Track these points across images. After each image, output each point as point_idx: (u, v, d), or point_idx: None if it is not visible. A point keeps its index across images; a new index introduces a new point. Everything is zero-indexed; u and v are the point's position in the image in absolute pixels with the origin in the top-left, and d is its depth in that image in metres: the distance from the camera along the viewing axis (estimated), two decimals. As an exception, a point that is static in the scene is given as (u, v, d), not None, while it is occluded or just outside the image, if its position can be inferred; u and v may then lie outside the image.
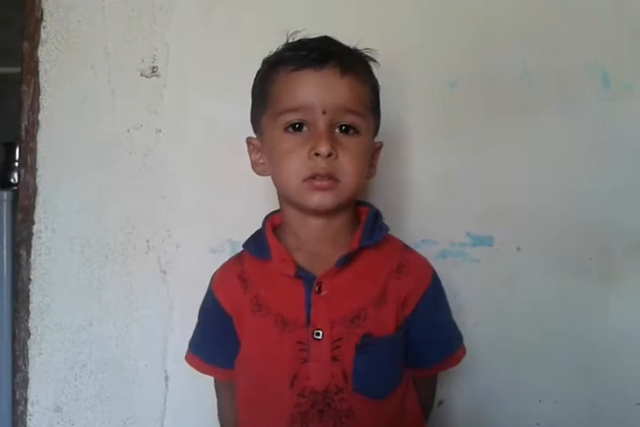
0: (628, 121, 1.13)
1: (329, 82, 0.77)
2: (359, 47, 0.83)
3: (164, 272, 1.12)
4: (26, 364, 1.10)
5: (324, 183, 0.76)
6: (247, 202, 1.09)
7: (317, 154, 0.75)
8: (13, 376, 1.12)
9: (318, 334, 0.78)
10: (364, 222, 0.85)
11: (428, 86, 1.12)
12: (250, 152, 0.88)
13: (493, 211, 1.13)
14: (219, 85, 1.12)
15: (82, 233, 1.11)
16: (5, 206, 1.19)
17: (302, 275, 0.80)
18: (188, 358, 0.91)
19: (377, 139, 0.87)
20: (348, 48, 0.82)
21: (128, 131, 1.12)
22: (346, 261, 0.80)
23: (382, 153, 0.89)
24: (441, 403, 1.08)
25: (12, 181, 1.38)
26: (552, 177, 1.13)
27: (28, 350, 1.10)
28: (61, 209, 1.12)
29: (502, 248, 1.13)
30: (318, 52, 0.77)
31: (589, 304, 1.12)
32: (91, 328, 1.10)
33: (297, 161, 0.77)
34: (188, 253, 1.12)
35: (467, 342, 1.09)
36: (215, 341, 0.88)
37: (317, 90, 0.77)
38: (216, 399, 0.93)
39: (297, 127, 0.78)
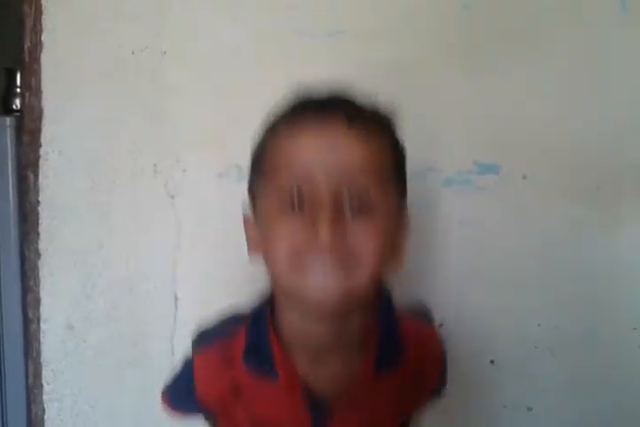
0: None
1: (332, 135, 0.59)
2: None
3: (172, 196, 1.12)
4: (37, 284, 1.12)
5: (328, 269, 0.58)
6: (255, 126, 1.08)
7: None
8: (24, 296, 1.15)
9: None
10: (378, 332, 0.69)
11: (441, 6, 1.09)
12: (246, 231, 0.71)
13: (500, 139, 1.12)
14: (225, 5, 1.09)
15: (89, 156, 1.11)
16: (9, 132, 1.18)
17: (313, 406, 0.67)
18: (167, 408, 0.80)
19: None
20: (360, 104, 0.64)
21: (133, 52, 1.10)
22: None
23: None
24: (441, 325, 1.11)
25: (15, 107, 1.35)
26: (562, 105, 1.11)
27: (38, 271, 1.12)
28: (67, 132, 1.11)
29: (508, 176, 1.13)
30: (320, 102, 0.62)
31: (594, 233, 1.13)
32: (100, 250, 1.12)
33: (290, 246, 0.59)
34: (195, 178, 1.12)
35: (471, 267, 1.12)
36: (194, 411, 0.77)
37: (317, 145, 0.59)
38: None
39: (295, 204, 0.59)
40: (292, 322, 0.67)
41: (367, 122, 0.61)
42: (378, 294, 0.68)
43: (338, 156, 0.58)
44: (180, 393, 0.79)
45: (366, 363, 0.68)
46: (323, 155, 0.58)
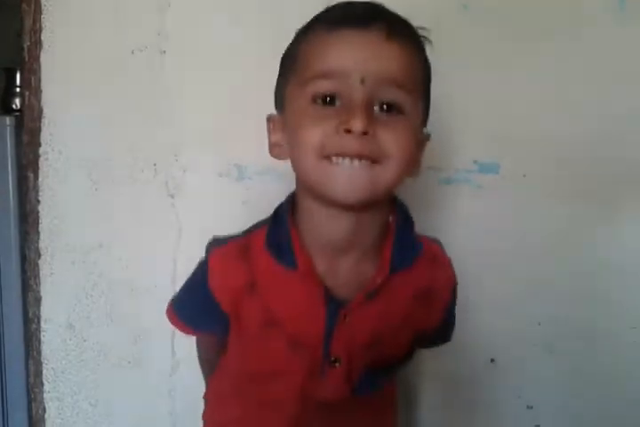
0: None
1: (373, 44, 0.61)
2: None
3: (172, 196, 1.13)
4: (37, 283, 1.12)
5: (355, 163, 0.61)
6: (254, 126, 1.08)
7: (349, 131, 0.60)
8: (25, 295, 1.15)
9: (336, 361, 0.72)
10: (394, 233, 0.71)
11: (441, 7, 1.09)
12: (270, 131, 0.72)
13: (500, 138, 1.12)
14: (224, 5, 1.09)
15: (89, 156, 1.11)
16: (9, 132, 1.18)
17: (329, 300, 0.69)
18: (170, 317, 0.82)
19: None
20: (398, 15, 0.66)
21: (132, 52, 1.10)
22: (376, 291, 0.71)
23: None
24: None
25: (14, 107, 1.36)
26: (561, 104, 1.11)
27: (39, 270, 1.12)
28: (67, 132, 1.11)
29: (508, 175, 1.13)
30: (362, 11, 0.64)
31: (594, 231, 1.13)
32: (100, 249, 1.12)
33: (318, 135, 0.61)
34: (195, 177, 1.12)
35: (471, 266, 1.12)
36: (202, 316, 0.78)
37: (357, 53, 0.61)
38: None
39: (327, 100, 0.62)
40: (313, 219, 0.69)
41: (404, 36, 0.64)
42: (393, 201, 0.72)
43: (376, 63, 0.61)
44: (189, 297, 0.79)
45: (381, 263, 0.70)
46: (361, 58, 0.61)
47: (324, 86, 0.62)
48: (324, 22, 0.65)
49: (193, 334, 0.84)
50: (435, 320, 0.79)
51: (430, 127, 1.10)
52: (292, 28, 1.07)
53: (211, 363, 0.87)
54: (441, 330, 0.83)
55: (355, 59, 0.61)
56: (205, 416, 0.88)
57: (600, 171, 1.12)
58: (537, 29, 1.10)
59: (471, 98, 1.11)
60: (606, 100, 1.11)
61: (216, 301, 0.73)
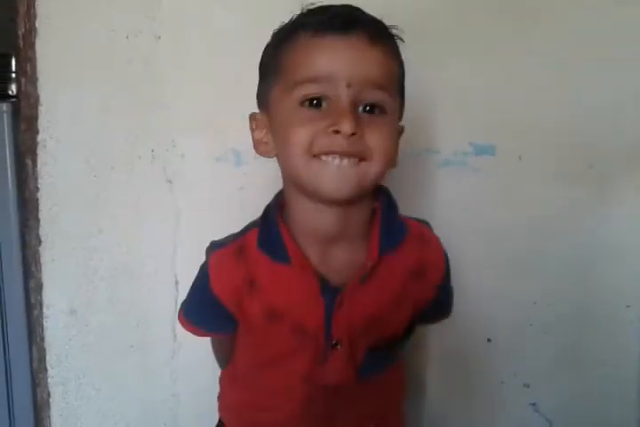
0: (636, 28, 1.11)
1: (357, 50, 0.65)
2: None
3: (170, 181, 1.13)
4: (38, 270, 1.13)
5: (344, 161, 0.65)
6: (250, 110, 1.09)
7: (337, 131, 0.63)
8: (26, 282, 1.16)
9: (337, 343, 0.75)
10: (380, 218, 0.75)
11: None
12: (253, 129, 0.76)
13: (496, 120, 1.13)
14: (219, -11, 1.09)
15: (86, 142, 1.11)
16: (6, 118, 1.18)
17: (325, 288, 0.72)
18: (182, 323, 0.85)
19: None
20: (375, 18, 0.70)
21: (127, 37, 1.10)
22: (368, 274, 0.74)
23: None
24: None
25: (10, 92, 1.35)
26: (555, 87, 1.12)
27: (40, 257, 1.13)
28: (64, 118, 1.11)
29: (504, 157, 1.14)
30: (344, 17, 0.66)
31: (589, 212, 1.15)
32: (100, 235, 1.13)
33: (307, 135, 0.65)
34: (192, 163, 1.13)
35: (469, 247, 1.13)
36: (212, 319, 0.81)
37: (343, 58, 0.65)
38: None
39: (315, 103, 0.66)
40: (302, 213, 0.73)
41: (384, 40, 0.68)
42: (377, 187, 0.75)
43: (360, 68, 0.65)
44: (195, 302, 0.83)
45: (371, 248, 0.74)
46: (347, 64, 0.65)
47: (311, 90, 0.66)
48: (308, 28, 0.67)
49: (207, 335, 0.88)
50: (430, 295, 0.81)
51: (427, 110, 1.11)
52: (287, 13, 1.08)
53: (226, 359, 0.89)
54: (439, 304, 0.85)
55: (340, 64, 0.65)
56: (220, 400, 0.92)
57: (595, 153, 1.13)
58: (535, 12, 1.10)
59: (467, 81, 1.11)
60: (603, 83, 1.11)
61: (222, 302, 0.76)
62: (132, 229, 1.13)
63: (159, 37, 1.10)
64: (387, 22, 0.70)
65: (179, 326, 1.14)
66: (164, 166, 1.13)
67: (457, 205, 1.13)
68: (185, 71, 1.11)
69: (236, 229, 1.09)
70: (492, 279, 1.15)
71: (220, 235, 1.10)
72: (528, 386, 1.18)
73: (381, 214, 0.75)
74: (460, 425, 1.20)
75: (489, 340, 1.17)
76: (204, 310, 0.81)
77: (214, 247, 0.79)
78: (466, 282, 1.13)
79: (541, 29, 1.10)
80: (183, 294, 1.13)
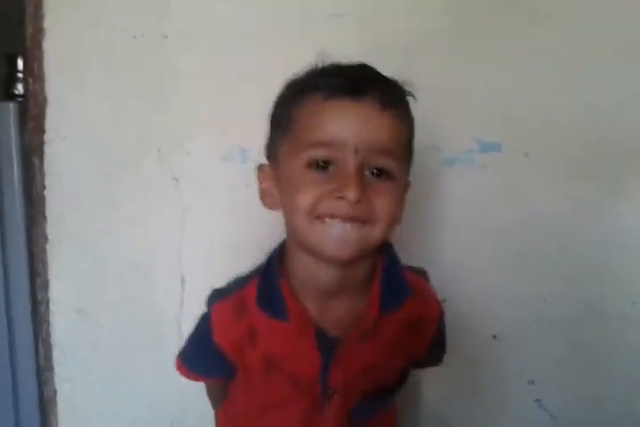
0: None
1: (367, 116, 0.65)
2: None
3: (177, 180, 1.14)
4: (45, 268, 1.14)
5: (347, 225, 0.65)
6: (257, 110, 1.09)
7: (341, 197, 0.64)
8: (32, 279, 1.17)
9: (334, 393, 0.77)
10: (381, 273, 0.76)
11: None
12: (260, 180, 0.76)
13: (502, 117, 1.13)
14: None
15: (93, 141, 1.12)
16: (12, 117, 1.19)
17: (322, 342, 0.74)
18: (182, 371, 0.86)
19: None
20: (388, 79, 0.70)
21: (134, 37, 1.11)
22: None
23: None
24: (444, 301, 1.13)
25: (17, 92, 1.36)
26: (563, 82, 1.12)
27: (46, 256, 1.14)
28: (71, 118, 1.12)
29: (510, 154, 1.13)
30: (357, 81, 0.67)
31: (596, 209, 1.14)
32: (108, 234, 1.14)
33: (312, 198, 0.65)
34: (199, 161, 1.13)
35: (475, 244, 1.14)
36: (213, 367, 0.83)
37: (353, 124, 0.65)
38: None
39: (322, 166, 0.66)
40: (303, 268, 0.73)
41: (396, 105, 0.68)
42: (381, 244, 0.74)
43: (368, 134, 0.65)
44: (196, 350, 0.84)
45: (371, 303, 0.74)
46: (357, 130, 0.65)
47: (319, 153, 0.66)
48: (320, 90, 0.67)
49: (204, 380, 0.90)
50: (425, 347, 0.84)
51: (432, 108, 1.11)
52: (292, 14, 1.09)
53: (219, 402, 0.91)
54: (432, 355, 0.88)
55: (349, 130, 0.65)
56: None
57: (601, 149, 1.13)
58: (538, 5, 1.10)
59: (472, 78, 1.11)
60: (608, 77, 1.11)
61: (223, 352, 0.79)
62: (138, 227, 1.14)
63: (166, 37, 1.11)
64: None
65: (185, 326, 1.16)
66: (170, 165, 1.13)
67: (463, 202, 1.13)
68: (192, 70, 1.11)
69: (242, 226, 1.10)
70: (497, 276, 1.14)
71: (225, 232, 1.13)
72: (533, 383, 1.18)
73: (383, 269, 0.76)
74: (464, 421, 1.20)
75: (494, 336, 1.17)
76: (205, 358, 0.82)
77: (215, 298, 0.81)
78: (472, 278, 1.15)
79: (545, 25, 1.10)
80: (189, 291, 1.16)
